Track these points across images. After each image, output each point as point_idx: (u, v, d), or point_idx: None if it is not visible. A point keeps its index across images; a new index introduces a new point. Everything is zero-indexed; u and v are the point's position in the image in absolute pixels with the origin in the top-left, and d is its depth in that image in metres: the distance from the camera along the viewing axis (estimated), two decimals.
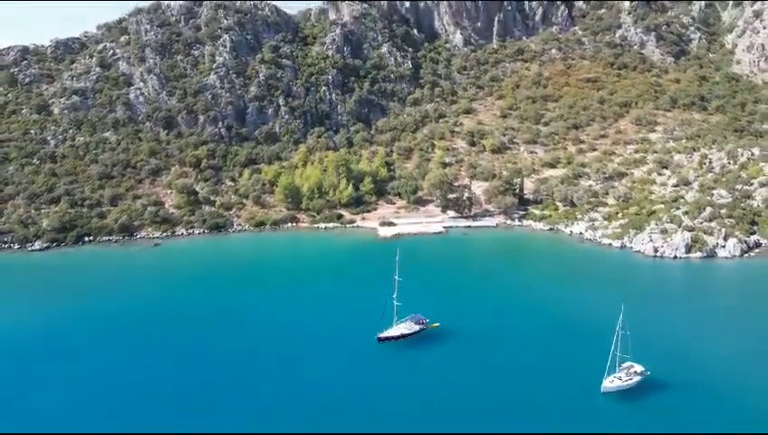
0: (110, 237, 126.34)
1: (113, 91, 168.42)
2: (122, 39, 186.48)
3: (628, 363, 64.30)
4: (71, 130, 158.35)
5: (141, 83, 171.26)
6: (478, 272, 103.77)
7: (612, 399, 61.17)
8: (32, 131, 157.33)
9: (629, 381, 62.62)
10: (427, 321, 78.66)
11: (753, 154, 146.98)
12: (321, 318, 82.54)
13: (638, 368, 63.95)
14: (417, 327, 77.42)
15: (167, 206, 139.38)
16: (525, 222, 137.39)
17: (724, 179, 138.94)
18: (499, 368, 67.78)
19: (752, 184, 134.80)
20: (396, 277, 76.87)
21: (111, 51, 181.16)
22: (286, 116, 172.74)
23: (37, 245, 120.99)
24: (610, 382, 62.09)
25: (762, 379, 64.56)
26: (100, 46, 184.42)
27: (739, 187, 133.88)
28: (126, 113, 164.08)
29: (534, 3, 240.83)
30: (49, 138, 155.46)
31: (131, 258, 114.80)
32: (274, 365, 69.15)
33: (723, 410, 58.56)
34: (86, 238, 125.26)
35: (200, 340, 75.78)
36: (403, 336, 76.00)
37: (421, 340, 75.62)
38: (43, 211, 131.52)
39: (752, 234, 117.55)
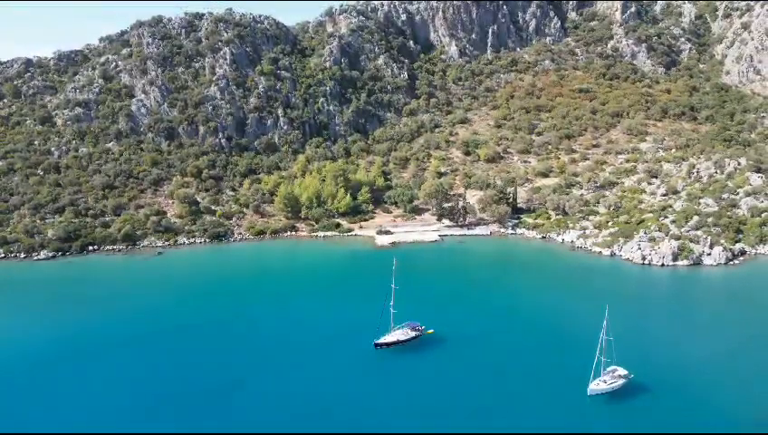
0: (114, 246, 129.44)
1: (116, 103, 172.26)
2: (124, 51, 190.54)
3: (612, 367, 67.64)
4: (74, 142, 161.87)
5: (143, 95, 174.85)
6: (472, 279, 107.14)
7: (598, 401, 64.50)
8: (36, 142, 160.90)
9: (614, 384, 65.96)
10: (423, 328, 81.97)
11: (739, 164, 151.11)
12: (320, 324, 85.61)
13: (622, 371, 67.35)
14: (412, 334, 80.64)
15: (169, 215, 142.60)
16: (519, 230, 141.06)
17: (711, 189, 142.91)
18: (491, 372, 70.98)
19: (737, 193, 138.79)
20: (393, 286, 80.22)
21: (114, 63, 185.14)
22: (285, 127, 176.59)
23: (42, 254, 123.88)
24: (596, 385, 65.43)
25: (737, 380, 67.97)
26: (103, 59, 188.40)
27: (725, 196, 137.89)
28: (128, 124, 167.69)
29: (528, 15, 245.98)
30: (53, 149, 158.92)
31: (136, 267, 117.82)
32: (275, 370, 72.13)
33: (701, 410, 61.89)
34: (90, 247, 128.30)
35: (201, 345, 78.78)
36: (399, 342, 79.31)
37: (417, 346, 78.91)
38: (47, 221, 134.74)
39: (737, 242, 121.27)
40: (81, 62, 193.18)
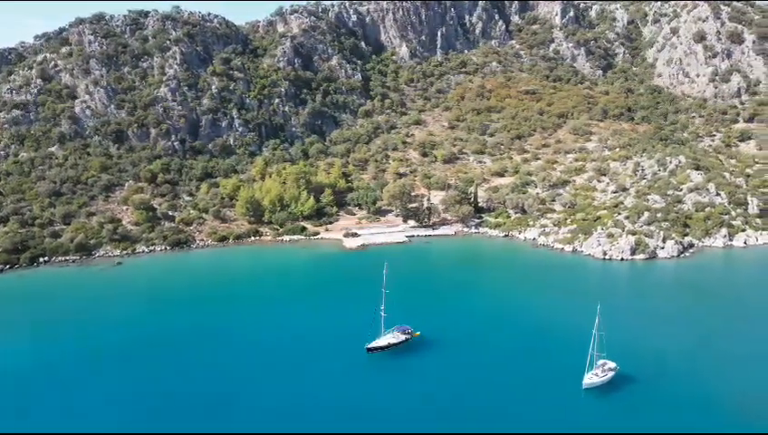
0: (67, 257, 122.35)
1: (57, 105, 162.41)
2: (64, 50, 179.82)
3: (602, 361, 71.00)
4: (13, 146, 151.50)
5: (87, 96, 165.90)
6: (448, 279, 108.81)
7: (594, 394, 67.47)
8: None
9: (605, 377, 69.32)
10: (411, 330, 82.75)
11: (680, 162, 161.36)
12: (308, 330, 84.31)
13: (611, 364, 70.77)
14: (403, 337, 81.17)
15: (124, 223, 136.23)
16: (481, 229, 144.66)
17: (656, 186, 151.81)
18: (486, 371, 72.55)
19: (681, 190, 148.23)
20: (384, 290, 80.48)
21: (53, 62, 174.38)
22: (240, 128, 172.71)
23: None
24: (589, 379, 68.47)
25: (711, 366, 73.24)
26: (40, 57, 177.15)
27: (670, 192, 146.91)
28: (72, 127, 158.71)
29: (474, 17, 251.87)
30: None
31: (95, 279, 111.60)
32: (269, 378, 70.75)
33: (687, 396, 66.22)
34: (41, 259, 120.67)
35: (186, 358, 76.08)
36: (391, 346, 79.74)
37: (408, 349, 79.52)
38: None
39: (685, 236, 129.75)
40: (16, 61, 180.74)
